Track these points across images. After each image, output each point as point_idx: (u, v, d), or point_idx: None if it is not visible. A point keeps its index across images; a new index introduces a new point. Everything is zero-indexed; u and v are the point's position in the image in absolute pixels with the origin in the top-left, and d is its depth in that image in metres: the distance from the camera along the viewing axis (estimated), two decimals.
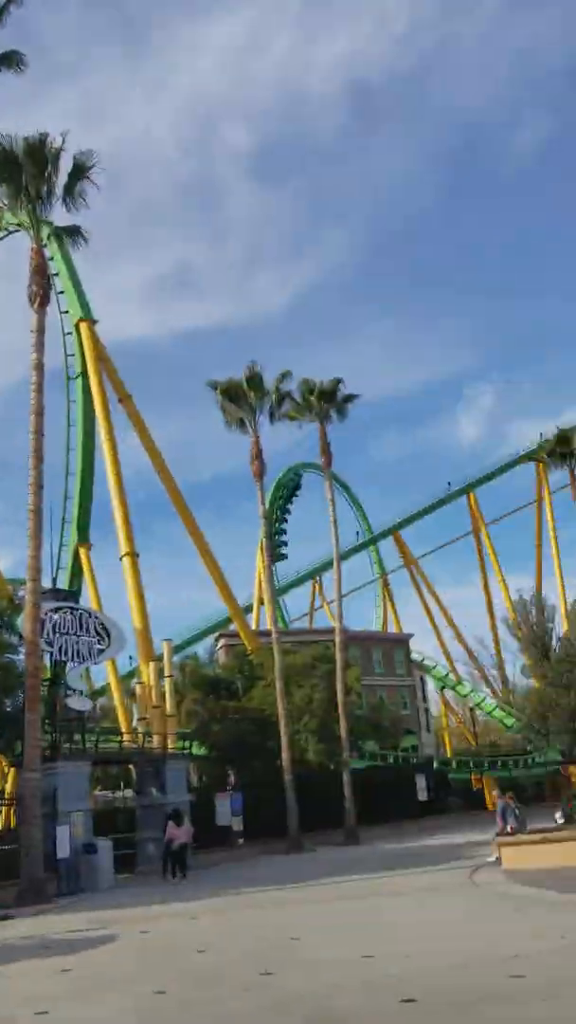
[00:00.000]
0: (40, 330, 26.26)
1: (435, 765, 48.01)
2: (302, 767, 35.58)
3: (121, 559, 42.43)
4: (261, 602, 68.38)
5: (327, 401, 40.33)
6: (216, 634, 62.42)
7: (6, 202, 26.89)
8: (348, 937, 12.77)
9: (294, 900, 18.41)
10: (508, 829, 22.00)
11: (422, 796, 41.82)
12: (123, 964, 11.99)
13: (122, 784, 50.46)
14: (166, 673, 33.38)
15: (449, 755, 63.98)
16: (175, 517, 50.26)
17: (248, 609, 77.86)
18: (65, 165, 27.06)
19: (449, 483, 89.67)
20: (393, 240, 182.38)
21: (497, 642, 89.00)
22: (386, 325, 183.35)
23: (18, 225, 34.69)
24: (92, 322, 50.59)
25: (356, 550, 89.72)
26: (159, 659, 34.47)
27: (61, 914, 19.03)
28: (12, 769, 39.49)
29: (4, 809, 32.97)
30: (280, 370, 38.86)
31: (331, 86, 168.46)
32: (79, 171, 27.32)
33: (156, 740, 31.15)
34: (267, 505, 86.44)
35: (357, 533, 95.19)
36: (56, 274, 54.13)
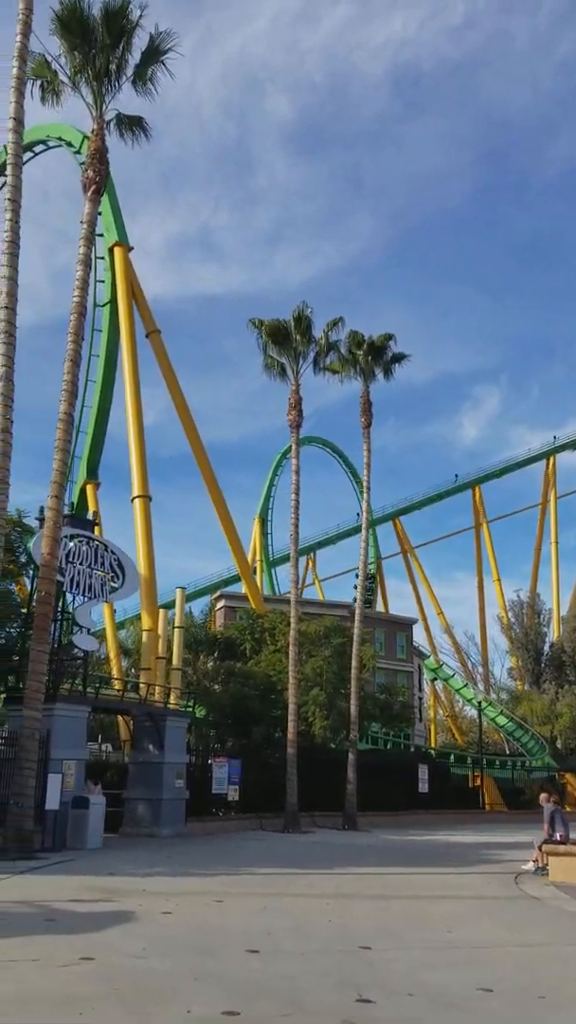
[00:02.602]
0: (91, 221, 23.36)
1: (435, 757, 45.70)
2: (304, 741, 33.12)
3: (133, 500, 39.83)
4: (253, 571, 65.52)
5: (375, 357, 37.50)
6: (215, 594, 59.84)
7: (68, 74, 23.81)
8: (434, 954, 10.22)
9: (327, 890, 15.86)
10: (557, 836, 19.54)
11: (423, 788, 39.48)
12: (157, 959, 9.39)
13: (100, 737, 47.99)
14: (176, 623, 30.72)
15: (433, 747, 61.86)
16: (181, 475, 47.53)
17: (239, 577, 75.45)
18: (140, 43, 24.11)
19: (456, 475, 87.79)
20: (419, 232, 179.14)
21: (484, 639, 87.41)
22: (401, 316, 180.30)
23: (78, 90, 28.41)
24: (127, 248, 47.58)
25: (355, 531, 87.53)
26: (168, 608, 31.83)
27: (52, 874, 16.44)
28: None
29: None
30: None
31: (378, 68, 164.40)
32: (155, 52, 24.31)
33: (158, 693, 28.55)
34: (271, 472, 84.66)
35: (357, 514, 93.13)
36: None
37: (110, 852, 21.35)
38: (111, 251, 47.42)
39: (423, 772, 39.80)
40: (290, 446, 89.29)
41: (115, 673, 38.28)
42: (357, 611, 36.36)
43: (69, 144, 53.73)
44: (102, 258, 49.16)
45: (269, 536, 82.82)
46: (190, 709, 30.23)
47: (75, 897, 13.38)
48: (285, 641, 35.59)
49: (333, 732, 35.42)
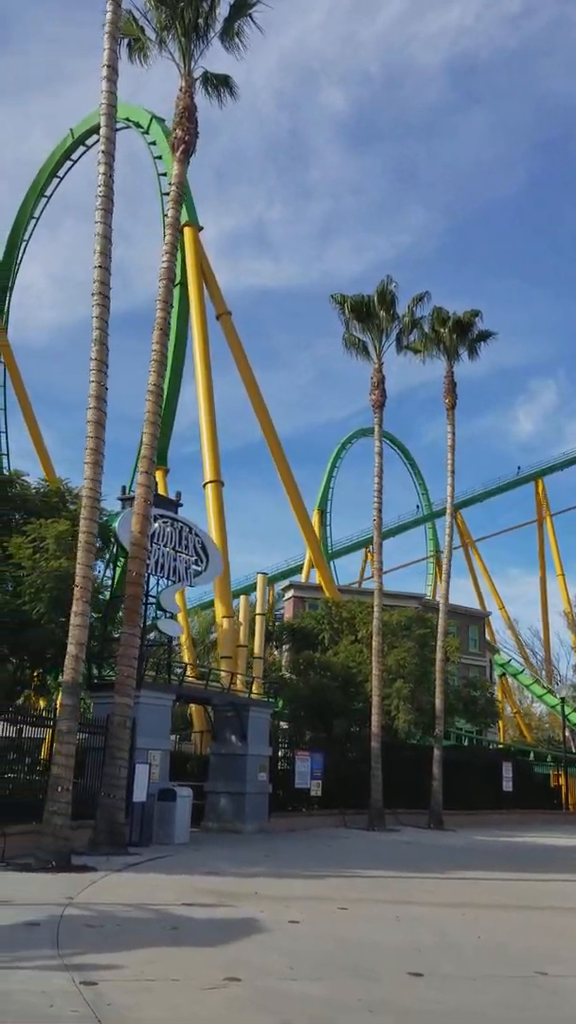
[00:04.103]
0: (180, 183, 22.24)
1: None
2: (386, 736, 31.65)
3: (204, 486, 38.66)
4: (312, 564, 64.07)
5: (459, 335, 35.80)
6: (284, 583, 58.60)
7: (155, 29, 22.62)
8: None
9: (451, 897, 14.46)
10: None
11: (507, 786, 37.74)
12: (311, 981, 8.09)
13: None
14: (258, 610, 29.49)
15: (511, 744, 59.93)
16: (233, 468, 46.06)
17: (298, 569, 74.11)
18: None
19: (519, 468, 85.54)
20: (472, 224, 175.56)
21: (547, 635, 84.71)
22: (454, 310, 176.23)
23: (165, 46, 25.21)
24: (198, 228, 46.48)
25: (414, 524, 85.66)
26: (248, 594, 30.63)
27: (151, 872, 15.30)
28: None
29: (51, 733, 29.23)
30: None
31: (434, 58, 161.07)
32: (243, 5, 23.01)
33: (239, 682, 27.35)
34: (330, 464, 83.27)
35: (417, 507, 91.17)
36: (163, 174, 50.28)
37: (200, 848, 20.20)
38: (181, 231, 46.35)
39: (507, 770, 38.05)
40: (350, 438, 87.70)
41: (187, 659, 37.28)
42: (442, 602, 34.80)
43: (137, 125, 52.86)
44: None
45: (328, 528, 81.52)
46: (272, 699, 28.99)
47: (188, 900, 12.17)
48: (366, 631, 34.18)
49: (416, 727, 33.91)
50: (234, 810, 25.64)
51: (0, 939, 9.09)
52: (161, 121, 50.21)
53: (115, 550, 23.89)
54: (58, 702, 37.79)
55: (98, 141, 54.56)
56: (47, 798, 15.32)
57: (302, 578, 64.26)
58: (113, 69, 18.40)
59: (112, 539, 23.05)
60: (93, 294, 17.62)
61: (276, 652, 41.98)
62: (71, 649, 15.95)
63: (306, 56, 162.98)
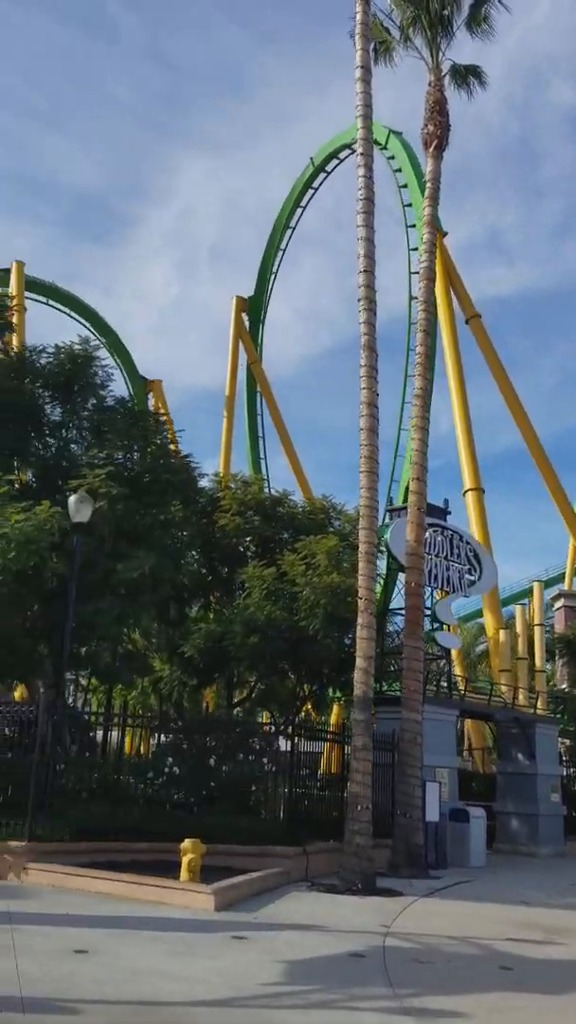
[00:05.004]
0: (435, 178, 21.46)
1: None
2: None
3: (464, 494, 37.52)
4: None
5: None
6: (553, 592, 55.63)
7: (397, 31, 22.16)
8: None
9: None
10: None
11: None
12: None
13: None
14: (536, 620, 27.87)
15: None
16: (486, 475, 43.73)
17: (560, 578, 69.94)
18: None
19: None
20: None
21: None
22: None
23: (411, 43, 22.36)
24: (442, 234, 45.53)
25: None
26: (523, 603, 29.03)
27: (457, 899, 14.40)
28: (337, 705, 36.18)
29: (327, 748, 29.19)
30: None
31: None
32: None
33: (522, 697, 25.86)
34: None
35: None
36: (404, 186, 49.94)
37: (498, 873, 19.05)
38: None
39: None
40: None
41: (458, 672, 36.10)
42: None
43: (376, 142, 52.81)
44: (415, 249, 47.69)
45: None
46: (560, 715, 27.21)
47: (511, 935, 11.16)
48: None
49: None
50: (527, 832, 24.22)
51: (329, 972, 8.62)
52: (399, 134, 50.01)
53: (385, 563, 23.43)
54: (334, 716, 38.01)
55: (337, 165, 55.57)
56: (347, 816, 14.93)
57: (565, 586, 60.77)
58: (367, 70, 18.08)
59: (382, 551, 22.58)
60: (359, 299, 17.28)
61: (549, 665, 39.73)
62: (360, 663, 15.50)
63: (533, 56, 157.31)
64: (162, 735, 19.38)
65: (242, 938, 9.83)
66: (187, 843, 12.39)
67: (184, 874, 12.25)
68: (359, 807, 14.68)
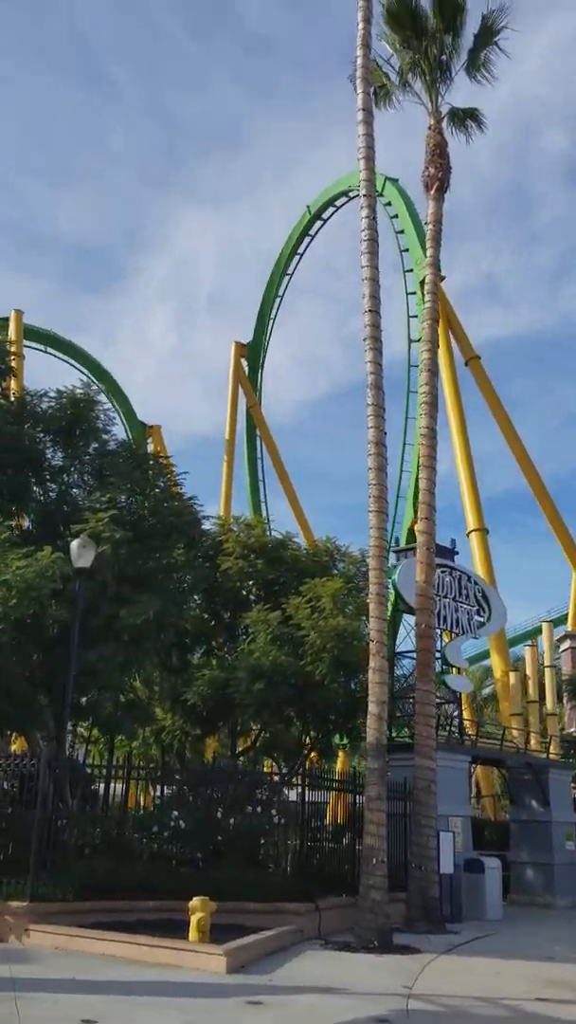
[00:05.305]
0: (436, 221, 21.56)
1: None
2: None
3: (468, 535, 37.27)
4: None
5: None
6: (559, 633, 55.07)
7: (398, 72, 22.41)
8: None
9: None
10: None
11: None
12: None
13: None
14: (546, 662, 27.39)
15: None
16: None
17: (563, 619, 69.28)
18: (470, 26, 22.17)
19: None
20: None
21: None
22: None
23: (410, 87, 21.83)
24: (440, 278, 45.81)
25: None
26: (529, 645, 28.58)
27: (479, 956, 13.77)
28: (342, 752, 35.40)
29: (334, 798, 28.33)
30: None
31: None
32: (489, 33, 22.19)
33: (534, 742, 25.28)
34: None
35: None
36: (401, 232, 50.54)
37: (517, 926, 18.36)
38: (422, 284, 45.93)
39: None
40: None
41: (467, 718, 35.45)
42: None
43: None
44: (413, 293, 48.12)
45: None
46: (572, 760, 26.57)
47: (541, 995, 10.59)
48: None
49: None
50: (543, 882, 23.50)
51: None
52: (395, 181, 50.71)
53: (391, 605, 23.06)
54: (340, 764, 37.18)
55: (333, 213, 56.16)
56: (361, 870, 14.36)
57: (569, 627, 60.21)
58: (368, 112, 18.21)
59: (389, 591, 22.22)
60: (365, 339, 17.18)
61: (558, 707, 39.09)
62: (372, 708, 15.05)
63: (525, 105, 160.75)
64: (164, 786, 18.80)
65: (258, 1003, 9.29)
66: (195, 901, 11.85)
67: (193, 934, 11.69)
68: (374, 860, 14.12)
